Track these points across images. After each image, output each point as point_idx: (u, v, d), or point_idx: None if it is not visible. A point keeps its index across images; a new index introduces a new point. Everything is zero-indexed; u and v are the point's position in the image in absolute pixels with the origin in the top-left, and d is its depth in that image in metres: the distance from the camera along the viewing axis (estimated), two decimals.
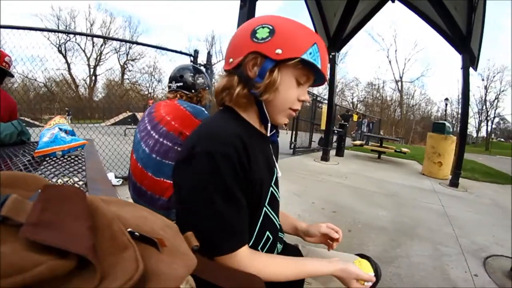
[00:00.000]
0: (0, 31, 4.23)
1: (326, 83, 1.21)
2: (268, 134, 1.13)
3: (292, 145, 11.16)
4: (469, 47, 7.92)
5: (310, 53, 0.97)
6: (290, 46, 0.96)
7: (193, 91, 2.21)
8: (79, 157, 1.74)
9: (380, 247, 3.56)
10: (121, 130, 6.97)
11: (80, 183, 1.24)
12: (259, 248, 1.10)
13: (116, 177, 5.09)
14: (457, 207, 5.79)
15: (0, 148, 1.77)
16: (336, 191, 6.13)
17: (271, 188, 1.11)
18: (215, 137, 0.93)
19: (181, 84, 2.20)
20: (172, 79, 2.25)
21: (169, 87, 2.26)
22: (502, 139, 59.83)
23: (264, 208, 1.08)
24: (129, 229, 0.49)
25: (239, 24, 4.72)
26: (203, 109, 2.11)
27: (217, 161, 0.88)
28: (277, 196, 1.17)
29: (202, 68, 2.59)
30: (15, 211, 0.40)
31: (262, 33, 0.97)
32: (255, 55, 0.98)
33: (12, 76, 2.81)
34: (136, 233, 0.49)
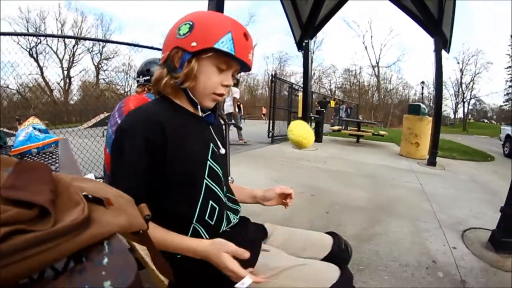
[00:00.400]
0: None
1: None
2: (200, 114, 1.24)
3: (270, 133, 11.15)
4: (440, 30, 8.05)
5: (222, 42, 1.08)
6: (204, 38, 1.08)
7: None
8: (53, 153, 1.80)
9: (359, 226, 3.61)
10: (99, 132, 6.91)
11: None
12: (207, 218, 1.18)
13: (96, 177, 5.00)
14: (434, 184, 5.91)
15: None
16: (315, 175, 6.17)
17: (208, 162, 1.22)
18: (134, 116, 1.11)
19: (148, 77, 2.24)
20: (139, 73, 2.30)
21: (137, 81, 2.29)
22: (486, 120, 60.81)
23: (205, 181, 1.19)
24: (84, 193, 0.58)
25: None
26: None
27: (128, 134, 1.07)
28: (216, 169, 1.25)
29: None
30: None
31: (184, 29, 1.10)
32: (177, 50, 1.11)
33: None
34: (89, 196, 0.58)
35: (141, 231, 0.68)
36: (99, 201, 0.59)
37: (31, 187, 0.52)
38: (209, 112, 1.28)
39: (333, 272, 1.18)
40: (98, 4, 69.63)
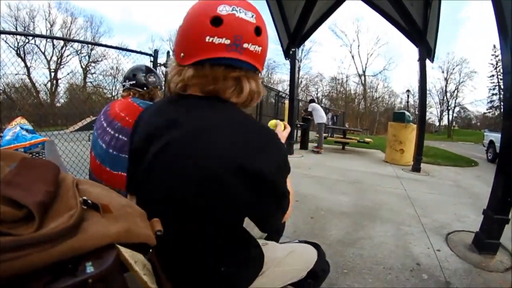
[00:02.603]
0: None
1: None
2: None
3: None
4: (425, 40, 8.19)
5: None
6: None
7: (145, 88, 2.29)
8: (40, 154, 1.80)
9: (343, 230, 3.63)
10: (85, 135, 6.85)
11: None
12: None
13: None
14: (419, 190, 5.98)
15: None
16: (300, 181, 6.16)
17: None
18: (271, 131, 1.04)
19: (134, 82, 2.28)
20: (126, 78, 2.34)
21: (123, 85, 2.33)
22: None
23: None
24: (84, 197, 0.59)
25: None
26: None
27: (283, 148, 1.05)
28: None
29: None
30: None
31: None
32: None
33: None
34: (89, 201, 0.59)
35: (150, 250, 0.71)
36: (97, 207, 0.59)
37: (28, 185, 0.52)
38: None
39: (312, 251, 1.50)
40: (88, 4, 68.95)
